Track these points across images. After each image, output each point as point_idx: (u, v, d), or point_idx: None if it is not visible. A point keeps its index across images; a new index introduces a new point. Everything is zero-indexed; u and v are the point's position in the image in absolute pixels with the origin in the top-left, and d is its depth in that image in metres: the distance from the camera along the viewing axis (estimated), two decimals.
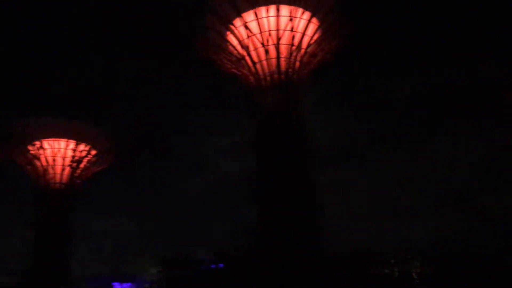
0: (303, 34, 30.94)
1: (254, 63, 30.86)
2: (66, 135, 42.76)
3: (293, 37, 30.61)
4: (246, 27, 30.58)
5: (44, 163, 42.75)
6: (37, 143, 42.18)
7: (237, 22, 30.82)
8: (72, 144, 43.23)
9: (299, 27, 30.77)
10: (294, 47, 30.73)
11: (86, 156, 43.93)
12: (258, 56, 30.74)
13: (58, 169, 43.11)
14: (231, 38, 31.36)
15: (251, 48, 30.86)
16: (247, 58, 31.13)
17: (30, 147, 42.15)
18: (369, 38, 33.80)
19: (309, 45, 31.38)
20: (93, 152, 44.26)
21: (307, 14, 30.74)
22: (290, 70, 30.67)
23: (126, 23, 31.05)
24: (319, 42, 31.63)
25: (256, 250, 28.08)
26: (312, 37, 31.40)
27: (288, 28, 30.48)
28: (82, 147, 43.65)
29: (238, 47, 31.31)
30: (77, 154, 43.56)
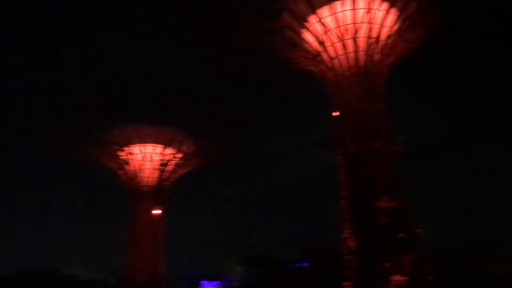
0: (382, 25, 29.89)
1: (331, 58, 30.33)
2: (154, 140, 44.92)
3: (371, 30, 29.68)
4: (322, 23, 30.13)
5: (134, 167, 45.20)
6: (127, 149, 44.68)
7: (312, 18, 30.47)
8: (159, 148, 45.34)
9: (377, 18, 29.78)
10: (372, 40, 29.78)
11: (172, 159, 45.85)
12: (335, 51, 30.17)
13: (147, 172, 45.39)
14: (306, 35, 31.08)
15: (328, 43, 30.34)
16: (323, 54, 30.67)
17: (120, 153, 44.75)
18: (454, 25, 31.85)
19: (388, 36, 30.25)
20: (179, 155, 46.08)
21: (385, 5, 29.65)
22: (369, 63, 29.77)
23: (202, 25, 31.68)
24: (399, 32, 30.43)
25: (342, 248, 27.54)
26: (391, 28, 30.26)
27: (366, 20, 29.61)
28: (168, 150, 45.59)
29: (314, 44, 30.95)
30: (164, 157, 45.58)
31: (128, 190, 45.28)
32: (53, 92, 41.13)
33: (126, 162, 44.79)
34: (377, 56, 30.03)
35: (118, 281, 50.31)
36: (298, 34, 31.03)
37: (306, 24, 30.47)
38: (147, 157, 45.30)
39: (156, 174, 45.60)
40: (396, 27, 30.19)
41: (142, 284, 42.72)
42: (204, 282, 67.28)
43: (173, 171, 46.54)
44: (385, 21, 29.80)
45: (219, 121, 43.67)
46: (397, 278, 25.55)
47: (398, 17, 30.07)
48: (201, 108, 42.25)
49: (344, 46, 29.86)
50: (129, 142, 44.36)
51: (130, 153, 44.61)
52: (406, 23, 30.24)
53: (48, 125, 41.86)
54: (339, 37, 29.88)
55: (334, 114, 30.43)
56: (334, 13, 29.69)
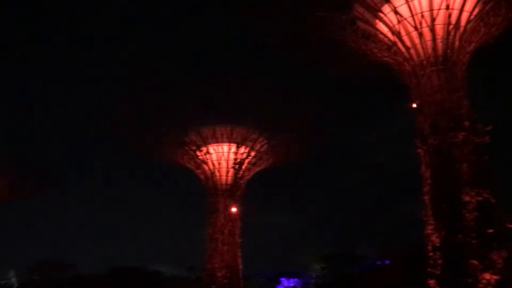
0: (461, 10, 28.31)
1: (407, 48, 29.20)
2: (228, 140, 46.01)
3: (449, 16, 28.23)
4: (396, 12, 29.13)
5: (211, 167, 46.55)
6: (204, 149, 46.11)
7: (386, 8, 29.54)
8: (233, 147, 46.35)
9: (455, 3, 28.26)
10: (451, 26, 28.32)
11: (246, 158, 46.64)
12: (411, 40, 29.01)
13: (223, 171, 46.55)
14: (380, 26, 30.21)
15: (403, 33, 29.25)
16: (399, 44, 29.60)
17: (198, 153, 46.25)
18: None
19: (468, 21, 28.61)
20: (252, 153, 46.79)
21: None
22: (448, 51, 28.34)
23: (270, 22, 31.84)
24: (480, 16, 28.70)
25: (426, 245, 26.49)
26: (471, 13, 28.59)
27: (443, 6, 28.19)
28: (242, 149, 46.43)
29: (389, 34, 29.98)
30: (239, 156, 46.46)
31: (206, 189, 46.75)
32: (135, 95, 43.19)
33: (204, 162, 46.24)
34: (456, 44, 28.50)
35: (199, 278, 51.98)
36: (372, 25, 30.24)
37: (379, 14, 29.61)
38: (222, 157, 46.45)
39: (231, 172, 46.61)
40: (477, 10, 28.50)
41: (222, 281, 43.79)
42: (283, 279, 67.70)
43: (248, 169, 47.32)
44: (464, 5, 28.22)
45: (295, 119, 43.77)
46: (487, 276, 24.12)
47: (479, 0, 28.36)
48: (276, 105, 42.50)
49: (420, 35, 28.66)
50: (206, 142, 45.77)
51: (207, 153, 46.02)
52: (488, 5, 28.46)
53: (135, 129, 44.38)
54: (415, 26, 28.73)
55: (412, 106, 29.34)
56: (409, 1, 28.57)
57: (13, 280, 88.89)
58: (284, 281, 66.91)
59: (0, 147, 51.53)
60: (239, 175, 46.77)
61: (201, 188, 47.56)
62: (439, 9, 28.18)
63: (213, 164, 46.42)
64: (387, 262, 50.85)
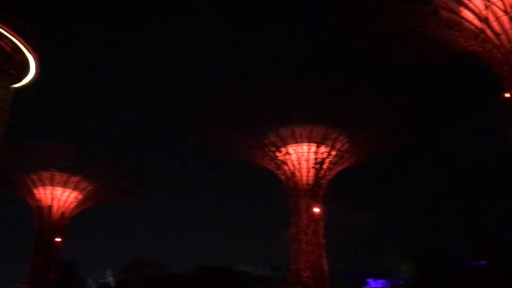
0: None
1: (497, 34, 27.20)
2: (308, 140, 45.73)
3: None
4: None
5: (291, 167, 46.52)
6: (284, 150, 46.19)
7: None
8: (313, 147, 45.95)
9: None
10: None
11: (327, 157, 46.03)
12: (501, 26, 27.00)
13: (304, 171, 46.32)
14: (465, 13, 28.49)
15: (492, 19, 27.30)
16: (487, 31, 27.68)
17: (278, 154, 46.43)
18: None
19: None
20: (333, 153, 46.08)
21: None
22: None
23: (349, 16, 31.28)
24: None
25: None
26: None
27: None
28: (322, 149, 45.91)
29: (475, 21, 28.16)
30: (319, 156, 45.99)
31: (287, 189, 46.79)
32: (216, 99, 44.42)
33: (284, 162, 46.34)
34: None
35: (284, 278, 52.13)
36: (456, 14, 28.59)
37: (464, 1, 27.90)
38: (302, 157, 46.24)
39: (312, 172, 46.23)
40: None
41: (307, 282, 43.58)
42: (370, 280, 66.07)
43: (329, 169, 46.68)
44: None
45: (377, 116, 42.61)
46: None
47: None
48: (357, 103, 41.68)
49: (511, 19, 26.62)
50: (285, 143, 45.85)
51: (287, 153, 46.08)
52: None
53: (219, 132, 45.72)
54: (505, 10, 26.72)
55: (505, 96, 27.33)
56: None
57: (110, 279, 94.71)
58: (371, 282, 65.21)
59: (99, 154, 55.38)
60: (320, 175, 46.25)
61: (283, 188, 47.69)
62: None
63: (293, 165, 46.34)
64: (482, 262, 47.79)
